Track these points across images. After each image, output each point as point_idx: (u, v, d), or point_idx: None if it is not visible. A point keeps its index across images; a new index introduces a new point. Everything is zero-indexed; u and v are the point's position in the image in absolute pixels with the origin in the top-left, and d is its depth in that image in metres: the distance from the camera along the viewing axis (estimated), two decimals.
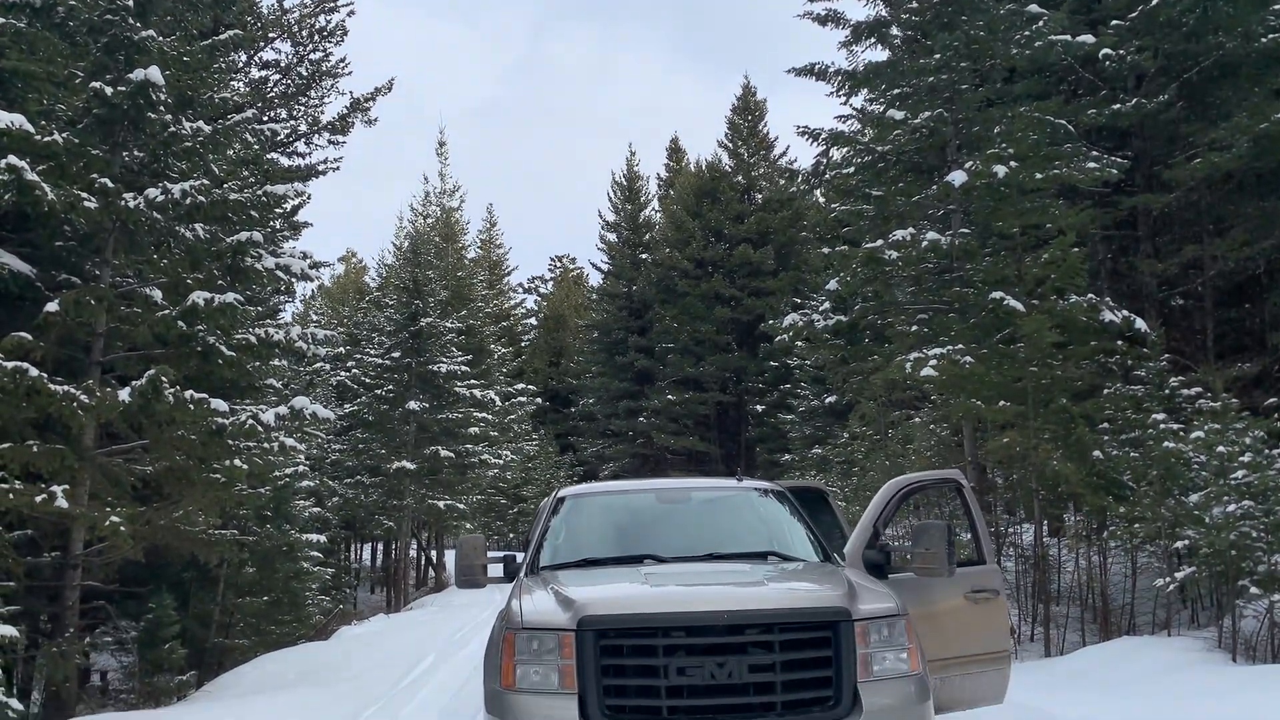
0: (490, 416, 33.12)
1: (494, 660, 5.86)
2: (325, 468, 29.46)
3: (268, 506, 17.74)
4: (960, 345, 13.45)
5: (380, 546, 44.45)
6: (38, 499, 10.91)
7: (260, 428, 12.18)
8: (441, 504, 28.76)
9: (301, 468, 19.60)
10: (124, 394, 11.49)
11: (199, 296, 12.11)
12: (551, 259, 77.11)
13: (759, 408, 43.83)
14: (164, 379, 11.38)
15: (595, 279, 58.21)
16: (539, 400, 47.38)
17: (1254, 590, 10.30)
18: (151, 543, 13.54)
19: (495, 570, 7.45)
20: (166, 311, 12.38)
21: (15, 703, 10.59)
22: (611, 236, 54.35)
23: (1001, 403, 13.22)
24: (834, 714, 5.42)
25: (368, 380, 30.85)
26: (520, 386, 43.54)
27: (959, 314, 14.48)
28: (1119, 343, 13.87)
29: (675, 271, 46.96)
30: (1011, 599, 16.17)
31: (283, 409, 12.45)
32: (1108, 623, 13.48)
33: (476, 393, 30.40)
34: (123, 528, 11.38)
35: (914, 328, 15.61)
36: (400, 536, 30.48)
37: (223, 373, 12.94)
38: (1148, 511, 12.15)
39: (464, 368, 30.45)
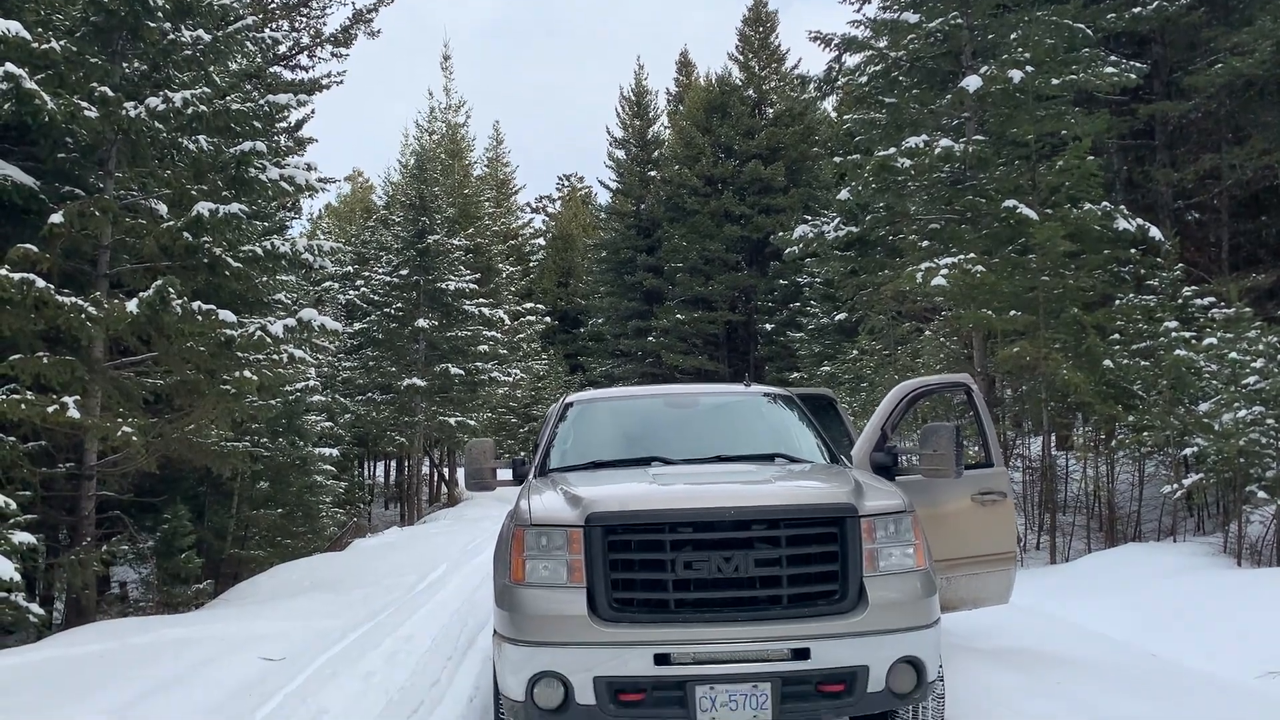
0: (499, 335, 33.14)
1: (504, 556, 5.92)
2: (336, 385, 29.63)
3: (279, 420, 17.88)
4: (972, 255, 13.29)
5: (393, 464, 44.93)
6: (49, 409, 10.97)
7: (269, 339, 12.18)
8: (453, 420, 28.93)
9: (311, 382, 19.69)
10: (132, 305, 11.47)
11: (203, 207, 12.01)
12: (559, 178, 76.50)
13: (768, 326, 43.76)
14: (171, 290, 11.34)
15: (603, 197, 57.64)
16: (548, 320, 47.32)
17: (1261, 495, 10.33)
18: (165, 455, 13.67)
19: (504, 475, 7.53)
20: (171, 223, 12.29)
21: (36, 608, 10.81)
22: (620, 154, 53.68)
23: (1012, 312, 13.13)
24: (840, 608, 5.47)
25: (376, 299, 30.80)
26: (529, 306, 43.45)
27: (971, 224, 14.30)
28: (1133, 251, 13.69)
29: (684, 189, 46.43)
30: (1018, 508, 16.30)
31: (291, 321, 12.43)
32: (1113, 530, 13.58)
33: (485, 310, 30.36)
34: (135, 438, 11.47)
35: (926, 243, 15.43)
36: (412, 453, 30.75)
37: (230, 285, 12.91)
38: (1157, 420, 12.13)
39: (472, 285, 30.35)
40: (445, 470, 40.46)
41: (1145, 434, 12.35)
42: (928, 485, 7.43)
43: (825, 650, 5.37)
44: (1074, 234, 13.11)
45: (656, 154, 52.41)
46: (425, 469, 38.49)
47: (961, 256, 13.22)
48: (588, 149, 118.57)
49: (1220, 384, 11.30)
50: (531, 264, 60.51)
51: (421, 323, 28.75)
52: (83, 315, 11.41)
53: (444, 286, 29.47)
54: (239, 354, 12.84)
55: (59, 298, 11.29)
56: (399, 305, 30.02)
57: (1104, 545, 13.36)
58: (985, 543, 7.74)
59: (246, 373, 12.35)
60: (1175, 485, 11.47)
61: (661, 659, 5.34)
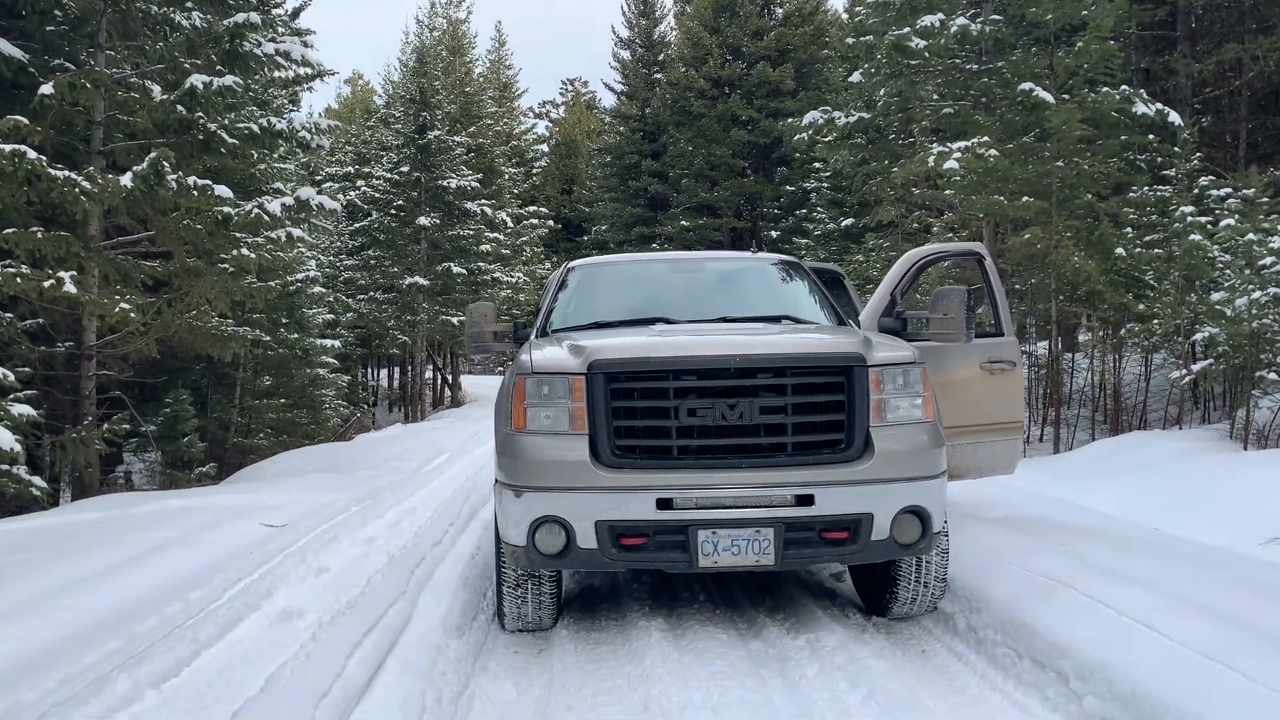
0: (502, 236, 32.79)
1: (505, 407, 5.83)
2: (339, 285, 29.43)
3: (280, 307, 17.75)
4: (986, 139, 12.97)
5: (396, 369, 44.98)
6: (45, 284, 10.83)
7: (267, 217, 11.97)
8: (455, 320, 28.79)
9: (312, 273, 19.51)
10: (126, 180, 11.23)
11: (198, 80, 11.69)
12: (563, 82, 75.01)
13: (774, 233, 43.23)
14: (166, 164, 11.08)
15: (608, 100, 56.51)
16: (551, 224, 46.80)
17: (1272, 376, 10.21)
18: (165, 340, 13.59)
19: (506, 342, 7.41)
20: (165, 97, 11.98)
21: (39, 481, 10.82)
22: (625, 54, 52.47)
23: (1025, 199, 12.86)
24: (845, 456, 5.39)
25: (377, 196, 30.39)
26: (532, 209, 42.92)
27: (985, 109, 13.92)
28: (1150, 137, 13.35)
29: (691, 92, 45.39)
30: (1024, 400, 16.26)
31: (289, 199, 12.20)
32: (1118, 421, 13.53)
33: (487, 210, 29.97)
34: (133, 314, 11.35)
35: (938, 130, 15.05)
36: (416, 352, 30.70)
37: (228, 165, 12.65)
38: (1168, 309, 11.97)
39: (474, 184, 29.90)
40: (449, 374, 40.52)
41: (1155, 323, 12.20)
42: (937, 352, 7.31)
43: (829, 497, 5.31)
44: (1091, 118, 12.76)
45: (662, 55, 51.20)
46: (429, 374, 38.54)
47: (975, 140, 12.89)
48: (593, 53, 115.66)
49: (1234, 271, 11.10)
50: (535, 170, 59.68)
51: (423, 221, 28.41)
52: (77, 190, 11.18)
53: (445, 184, 29.02)
54: (237, 234, 12.66)
55: (52, 171, 11.04)
56: (400, 203, 29.63)
57: (1108, 435, 13.30)
58: (993, 411, 7.65)
59: (244, 250, 12.15)
60: (1184, 371, 11.36)
61: (664, 503, 5.30)
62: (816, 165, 31.92)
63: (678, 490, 5.31)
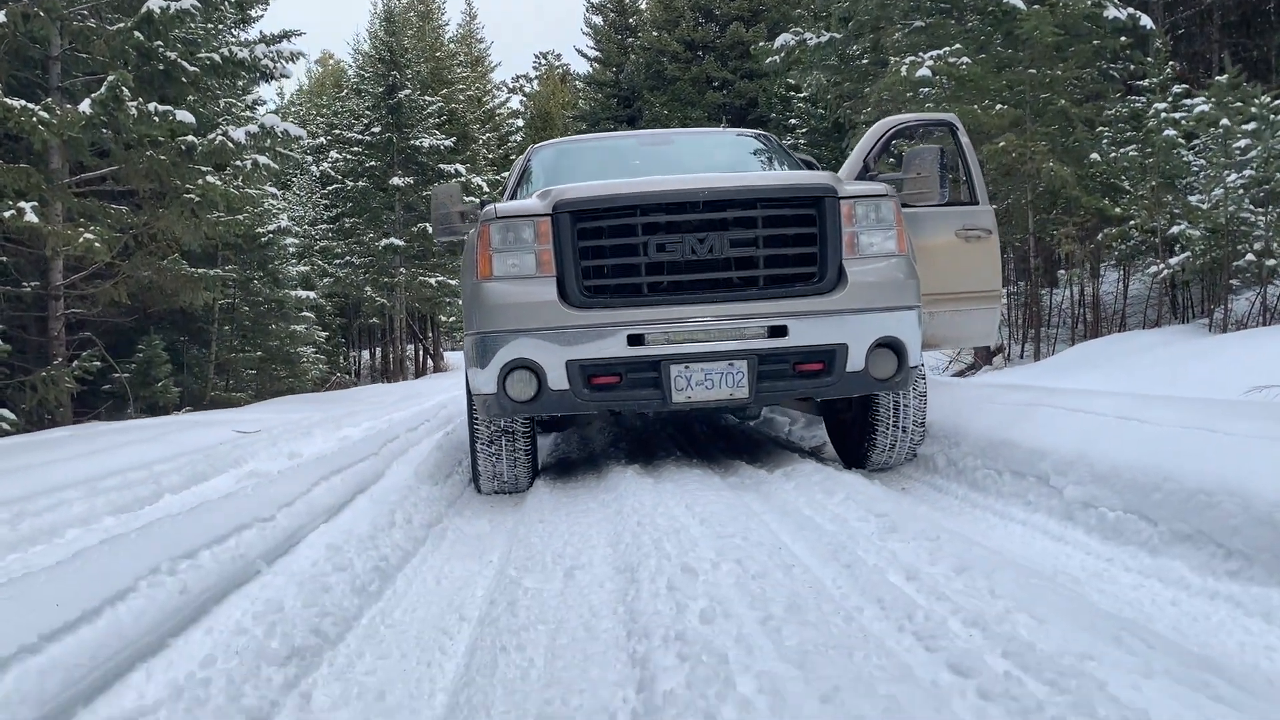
0: (477, 200, 32.45)
1: (470, 259, 5.71)
2: (315, 254, 29.14)
3: (252, 260, 17.55)
4: (958, 46, 12.87)
5: (378, 350, 44.69)
6: (6, 214, 10.62)
7: (231, 145, 11.76)
8: (433, 281, 28.60)
9: (284, 223, 19.29)
10: (85, 106, 11.02)
11: (154, 4, 11.44)
12: (536, 56, 74.47)
13: None
14: (124, 88, 10.87)
15: (581, 68, 56.04)
16: None
17: (1250, 257, 10.18)
18: (135, 287, 13.38)
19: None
20: (121, 24, 11.74)
21: (8, 413, 10.64)
22: (598, 19, 52.01)
23: (999, 108, 12.76)
24: (818, 288, 5.30)
25: (350, 158, 30.06)
26: (506, 175, 42.55)
27: (957, 20, 13.81)
28: (1122, 40, 13.26)
29: (664, 55, 45.10)
30: (1001, 324, 16.25)
31: (253, 127, 12.00)
32: (1097, 329, 13.51)
33: (461, 170, 29.70)
34: (98, 244, 11.14)
35: (912, 48, 14.91)
36: (395, 316, 30.48)
37: (186, 94, 12.39)
38: (1144, 210, 11.93)
39: (447, 144, 29.62)
40: (429, 344, 40.30)
41: (1131, 224, 12.16)
42: (911, 219, 7.20)
43: (803, 328, 5.22)
44: (1062, 25, 12.65)
45: (635, 20, 50.86)
46: (410, 351, 38.29)
47: (946, 50, 12.79)
48: (564, 20, 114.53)
49: (1209, 162, 11.05)
50: (510, 144, 59.22)
51: (396, 181, 28.15)
52: (34, 119, 10.95)
53: (418, 144, 28.76)
54: (201, 167, 12.44)
55: (8, 101, 10.82)
56: (373, 164, 29.34)
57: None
58: (969, 280, 7.55)
59: (210, 178, 11.94)
60: (1161, 265, 11.33)
61: (635, 340, 5.19)
62: (793, 122, 31.82)
63: (648, 326, 5.20)
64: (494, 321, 5.32)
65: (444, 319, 41.67)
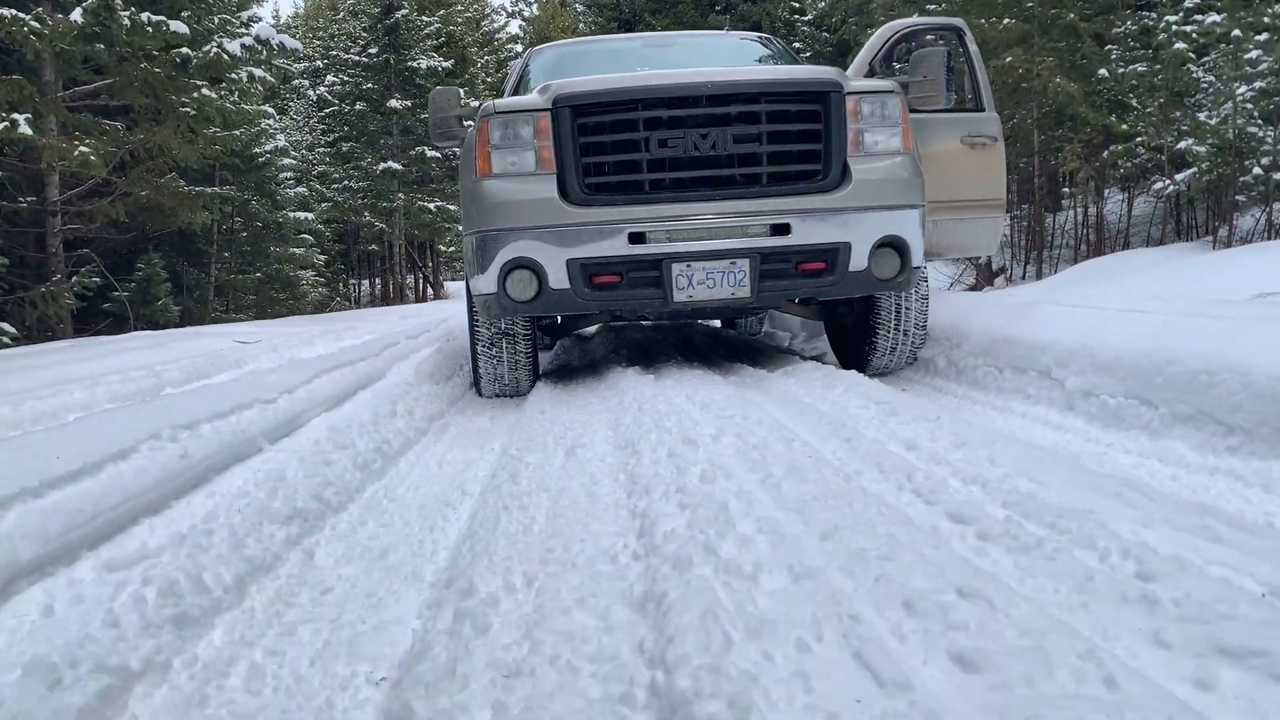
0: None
1: (469, 157, 5.63)
2: (312, 178, 28.84)
3: (249, 181, 17.39)
4: None
5: (378, 279, 44.49)
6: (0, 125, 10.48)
7: (226, 57, 11.56)
8: (432, 207, 28.39)
9: (281, 142, 19.08)
10: (76, 15, 10.81)
11: None
12: None
13: None
14: None
15: None
16: None
17: (1257, 171, 10.07)
18: (133, 206, 13.26)
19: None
20: None
21: (8, 326, 10.63)
22: None
23: (1006, 21, 12.53)
24: (822, 186, 5.23)
25: (346, 79, 29.59)
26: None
27: None
28: None
29: None
30: (1004, 245, 16.16)
31: (248, 39, 11.78)
32: (1100, 247, 13.44)
33: (460, 93, 29.16)
34: (93, 158, 11.02)
35: None
36: (394, 242, 30.30)
37: (180, 7, 12.15)
38: (1151, 127, 11.77)
39: (445, 66, 29.14)
40: (428, 272, 40.15)
41: (1138, 141, 12.01)
42: (916, 125, 7.11)
43: (806, 226, 5.17)
44: None
45: None
46: (410, 281, 38.12)
47: None
48: None
49: (1217, 78, 10.87)
50: (509, 69, 58.20)
51: (394, 104, 27.77)
52: (26, 29, 10.75)
53: (415, 66, 28.30)
54: (196, 80, 12.25)
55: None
56: (370, 86, 28.92)
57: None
58: (974, 187, 7.47)
59: (205, 90, 11.77)
60: (1166, 182, 11.22)
61: (636, 238, 5.14)
62: (797, 46, 31.24)
63: (650, 224, 5.15)
64: (493, 220, 5.27)
65: (443, 248, 41.46)
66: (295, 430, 3.85)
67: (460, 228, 7.44)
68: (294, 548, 2.55)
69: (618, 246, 5.16)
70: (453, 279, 53.17)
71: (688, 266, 5.16)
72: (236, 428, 3.34)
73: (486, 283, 5.31)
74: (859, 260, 5.26)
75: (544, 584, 2.02)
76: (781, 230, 5.17)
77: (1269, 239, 10.55)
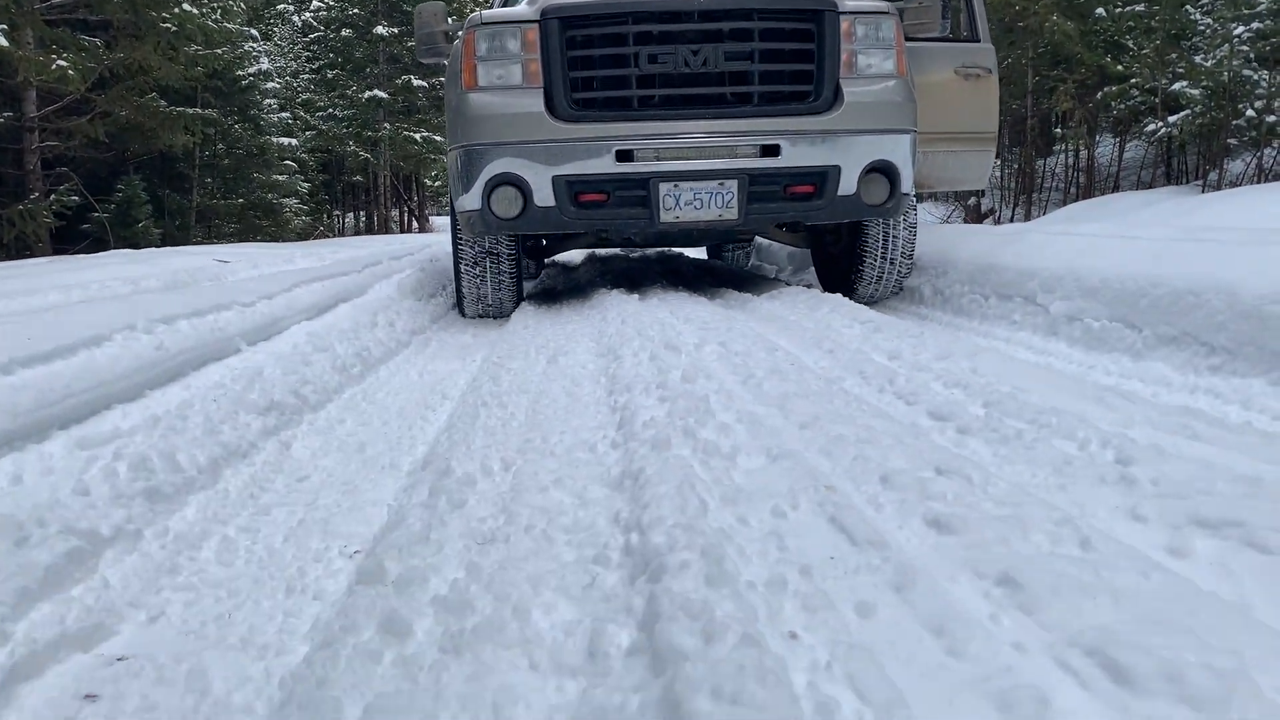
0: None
1: (454, 70, 5.51)
2: (297, 105, 28.34)
3: (233, 104, 17.09)
4: None
5: (362, 213, 44.01)
6: None
7: None
8: (418, 136, 27.98)
9: (265, 65, 18.70)
10: None
11: None
12: None
13: None
14: None
15: None
16: None
17: (1250, 113, 10.03)
18: (112, 125, 13.01)
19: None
20: None
21: None
22: None
23: None
24: (813, 107, 5.16)
25: (333, 4, 28.96)
26: None
27: None
28: None
29: None
30: (993, 187, 16.11)
31: None
32: (1090, 190, 13.40)
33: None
34: (71, 72, 10.77)
35: None
36: (379, 172, 29.90)
37: None
38: (1146, 68, 11.67)
39: None
40: (413, 205, 39.73)
41: (1132, 82, 11.91)
42: (910, 54, 7.01)
43: (796, 149, 5.10)
44: None
45: None
46: (395, 215, 37.71)
47: None
48: None
49: (1215, 20, 10.76)
50: None
51: (380, 31, 27.22)
52: None
53: None
54: None
55: None
56: (356, 12, 28.31)
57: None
58: (966, 119, 7.40)
59: (187, 6, 11.48)
60: (1159, 124, 11.16)
61: (624, 156, 5.06)
62: None
63: (638, 141, 5.07)
64: (478, 134, 5.18)
65: (429, 182, 40.99)
66: (274, 335, 3.80)
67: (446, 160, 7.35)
68: (270, 438, 2.52)
69: (605, 164, 5.09)
70: (438, 214, 52.64)
71: (675, 186, 5.10)
72: (214, 326, 3.30)
73: (470, 199, 5.24)
74: (848, 185, 5.21)
75: (521, 468, 2.01)
76: (771, 152, 5.11)
77: (1259, 183, 10.52)
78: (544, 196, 5.12)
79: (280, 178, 19.82)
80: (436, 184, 42.14)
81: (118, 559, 1.70)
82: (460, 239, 5.64)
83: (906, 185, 5.37)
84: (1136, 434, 2.02)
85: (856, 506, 1.48)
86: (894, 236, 5.82)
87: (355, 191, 40.73)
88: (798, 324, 4.05)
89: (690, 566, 1.20)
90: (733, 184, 5.10)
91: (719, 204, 5.13)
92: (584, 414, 2.48)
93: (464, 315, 5.85)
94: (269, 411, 2.59)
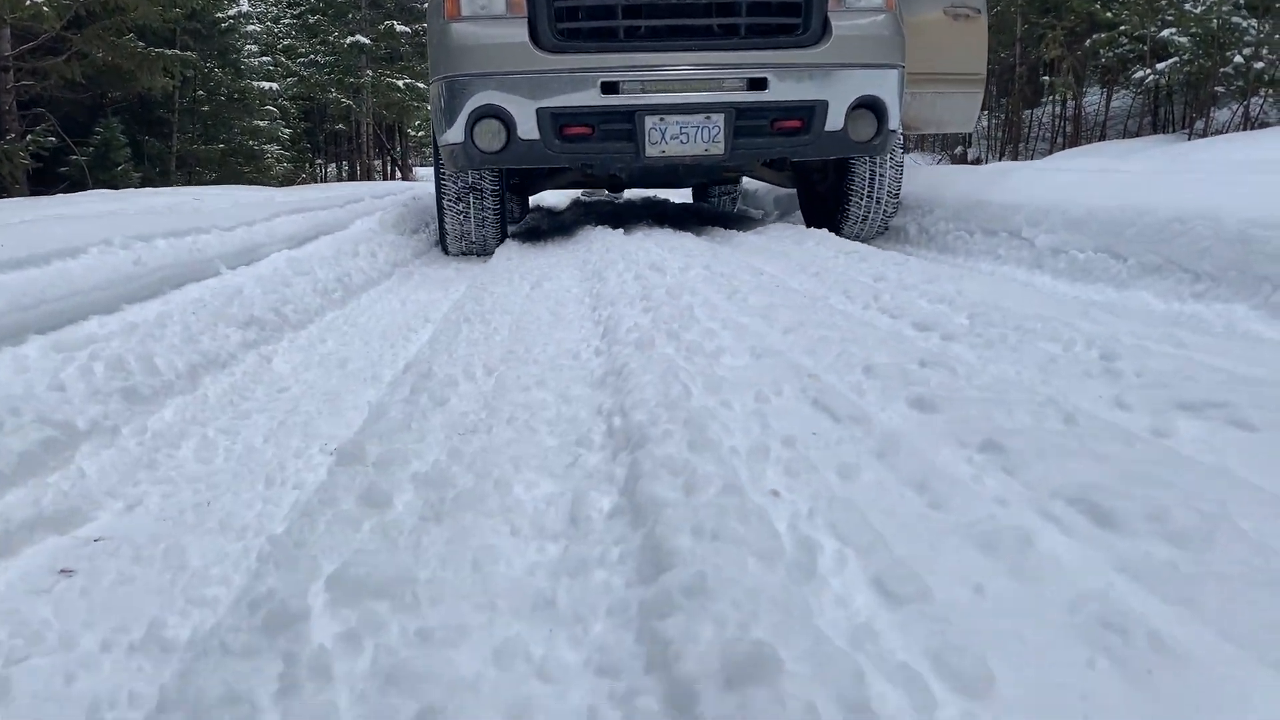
0: None
1: (437, 1, 5.41)
2: (278, 51, 27.88)
3: (212, 35, 16.79)
4: None
5: (345, 163, 43.50)
6: None
7: None
8: (401, 83, 27.59)
9: (244, 6, 18.36)
10: None
11: None
12: None
13: None
14: None
15: None
16: None
17: (1239, 60, 9.98)
18: (91, 66, 12.76)
19: None
20: None
21: None
22: None
23: None
24: (800, 40, 5.09)
25: None
26: None
27: None
28: None
29: None
30: (981, 136, 16.04)
31: None
32: (1077, 139, 13.35)
33: None
34: (46, 9, 10.54)
35: None
36: (362, 120, 29.53)
37: None
38: (1135, 17, 11.57)
39: None
40: (397, 154, 39.31)
41: (1121, 29, 11.82)
42: None
43: (783, 82, 5.04)
44: None
45: None
46: (378, 165, 37.28)
47: None
48: None
49: None
50: None
51: None
52: None
53: None
54: None
55: None
56: None
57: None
58: (954, 61, 7.34)
59: None
60: (1147, 71, 11.09)
61: (609, 88, 4.99)
62: None
63: (624, 73, 5.00)
64: (461, 65, 5.09)
65: (412, 131, 40.51)
66: (254, 261, 3.76)
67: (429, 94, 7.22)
68: (251, 350, 2.50)
69: (590, 97, 5.02)
70: (422, 164, 52.12)
71: (661, 120, 5.04)
72: (193, 247, 3.25)
73: (453, 132, 5.17)
74: (835, 120, 5.16)
75: (504, 373, 1.99)
76: (758, 85, 5.05)
77: (1245, 131, 10.49)
78: (528, 129, 5.05)
79: (261, 123, 19.54)
80: (420, 134, 41.66)
81: (94, 453, 1.68)
82: (443, 174, 5.58)
83: (894, 122, 5.33)
84: (1122, 338, 2.01)
85: (840, 392, 1.48)
86: (880, 175, 5.79)
87: (338, 140, 40.25)
88: (783, 254, 4.03)
89: (673, 435, 1.19)
90: (719, 117, 5.05)
91: (705, 138, 5.08)
92: (568, 328, 2.46)
93: (447, 252, 5.80)
94: (249, 326, 2.56)
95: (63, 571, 1.28)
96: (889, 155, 5.69)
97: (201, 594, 1.16)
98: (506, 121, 5.05)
